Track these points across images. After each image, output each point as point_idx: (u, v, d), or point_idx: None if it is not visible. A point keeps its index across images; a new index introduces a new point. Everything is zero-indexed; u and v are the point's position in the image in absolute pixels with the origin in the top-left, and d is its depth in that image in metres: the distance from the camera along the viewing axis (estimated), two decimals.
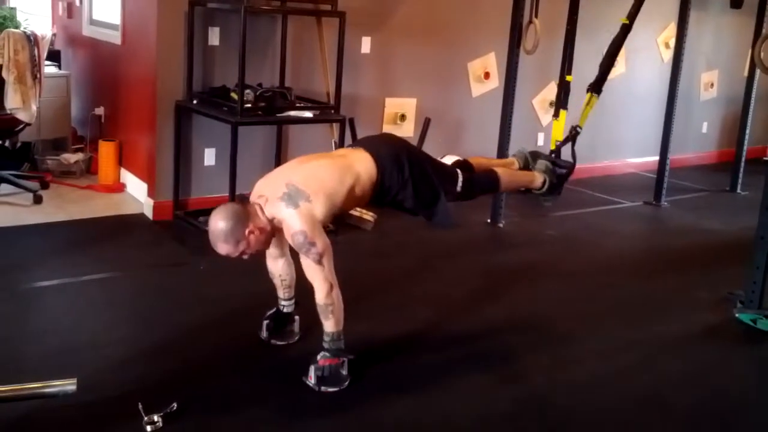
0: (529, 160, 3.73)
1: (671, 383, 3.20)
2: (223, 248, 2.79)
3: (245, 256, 2.83)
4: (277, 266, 3.17)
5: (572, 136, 4.08)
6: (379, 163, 2.99)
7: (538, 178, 3.60)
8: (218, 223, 2.76)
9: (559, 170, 3.66)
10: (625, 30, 4.19)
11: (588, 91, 4.21)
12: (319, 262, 2.78)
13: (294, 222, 2.77)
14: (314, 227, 2.78)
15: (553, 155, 3.90)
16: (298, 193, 2.79)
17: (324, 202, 2.82)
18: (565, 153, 4.04)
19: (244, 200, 2.94)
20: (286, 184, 2.82)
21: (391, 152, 3.05)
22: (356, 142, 3.31)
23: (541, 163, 3.67)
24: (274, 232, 2.87)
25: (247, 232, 2.76)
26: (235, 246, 2.77)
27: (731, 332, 3.75)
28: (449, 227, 3.31)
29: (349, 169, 2.94)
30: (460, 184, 3.21)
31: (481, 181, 3.37)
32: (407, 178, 3.02)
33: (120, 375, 2.90)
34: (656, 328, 3.73)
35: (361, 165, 2.97)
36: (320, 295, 2.83)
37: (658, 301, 4.09)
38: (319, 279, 2.81)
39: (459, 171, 3.25)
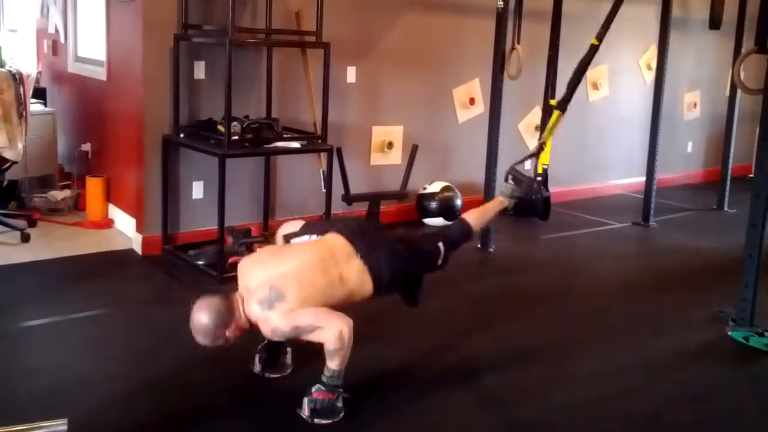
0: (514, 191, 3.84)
1: (668, 404, 3.19)
2: (200, 341, 2.82)
3: (223, 345, 2.85)
4: None
5: (537, 152, 4.13)
6: (377, 285, 3.02)
7: (503, 203, 3.73)
8: (201, 317, 2.78)
9: (520, 186, 3.78)
10: (593, 50, 4.25)
11: (555, 108, 4.27)
12: (315, 330, 2.77)
13: (270, 322, 2.78)
14: (292, 318, 2.76)
15: (515, 168, 3.99)
16: (277, 295, 2.77)
17: (303, 306, 2.80)
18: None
19: (228, 293, 2.88)
20: (270, 286, 2.79)
21: (392, 269, 3.05)
22: (355, 239, 3.06)
23: (507, 188, 3.79)
24: (253, 327, 2.88)
25: (227, 332, 2.80)
26: (212, 342, 2.81)
27: (724, 350, 3.76)
28: (418, 304, 3.36)
29: (344, 288, 2.93)
30: (441, 258, 3.31)
31: (456, 242, 3.44)
32: (400, 285, 3.14)
33: (112, 413, 2.87)
34: (650, 349, 3.73)
35: (358, 287, 2.98)
36: (330, 344, 2.78)
37: (650, 322, 4.09)
38: (322, 336, 2.77)
39: (441, 246, 3.31)
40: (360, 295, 3.01)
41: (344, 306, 2.94)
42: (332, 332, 2.76)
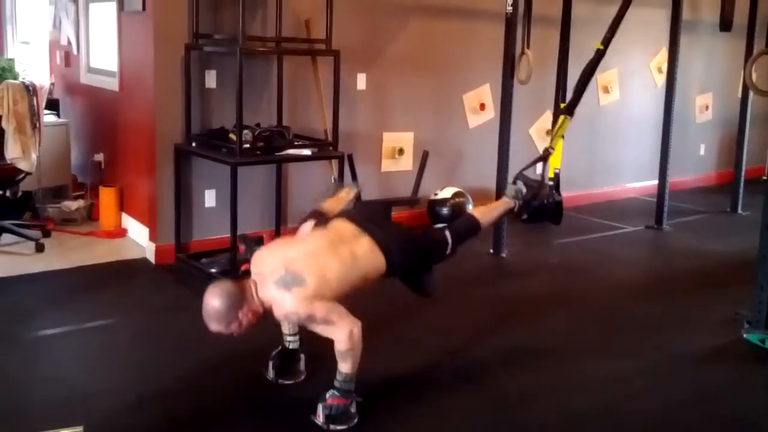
0: (519, 192, 3.87)
1: (682, 407, 3.17)
2: (214, 327, 2.78)
3: (235, 334, 2.81)
4: None
5: (544, 156, 4.12)
6: (389, 264, 3.01)
7: (510, 204, 3.75)
8: (213, 302, 2.74)
9: (528, 189, 3.81)
10: (600, 55, 4.25)
11: (562, 113, 4.26)
12: (327, 323, 2.77)
13: (285, 304, 2.76)
14: (308, 305, 2.74)
15: (523, 174, 3.99)
16: (295, 278, 2.75)
17: (322, 291, 2.78)
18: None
19: (242, 277, 2.89)
20: (285, 267, 2.78)
21: (401, 250, 3.07)
22: (365, 223, 3.09)
23: (511, 188, 3.83)
24: (267, 312, 2.86)
25: (240, 315, 2.75)
26: (226, 327, 2.76)
27: (740, 353, 3.73)
28: (434, 296, 3.36)
29: (357, 267, 2.92)
30: (449, 249, 3.31)
31: (463, 234, 3.46)
32: (413, 267, 3.13)
33: (127, 421, 2.89)
34: (665, 352, 3.71)
35: (370, 264, 2.97)
36: (341, 344, 2.79)
37: (665, 325, 4.07)
38: (334, 332, 2.78)
39: (448, 235, 3.33)
40: (375, 271, 2.98)
41: (362, 286, 2.94)
42: (344, 332, 2.77)
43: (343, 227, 3.05)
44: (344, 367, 2.84)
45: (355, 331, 2.79)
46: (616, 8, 4.29)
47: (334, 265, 2.85)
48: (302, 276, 2.76)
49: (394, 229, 3.20)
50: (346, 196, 3.57)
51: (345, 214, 3.15)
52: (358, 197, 3.92)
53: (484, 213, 3.62)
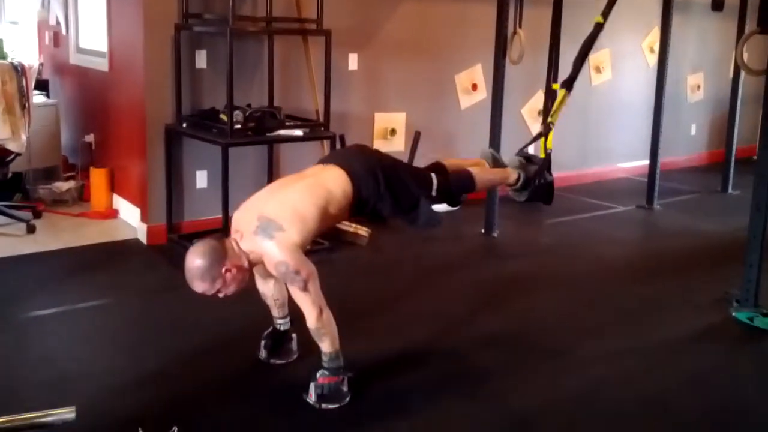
0: (497, 159, 3.76)
1: (673, 386, 3.19)
2: (199, 286, 2.74)
3: (221, 295, 2.79)
4: (268, 287, 3.16)
5: (545, 132, 4.10)
6: (353, 178, 2.98)
7: (512, 174, 3.62)
8: (194, 260, 2.72)
9: (531, 165, 3.70)
10: (598, 28, 4.22)
11: (561, 87, 4.24)
12: (305, 288, 2.76)
13: (274, 253, 2.75)
14: (295, 255, 2.75)
15: (524, 150, 3.94)
16: (271, 224, 2.75)
17: (299, 228, 2.79)
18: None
19: (221, 236, 2.89)
20: (257, 217, 2.79)
21: (364, 165, 3.05)
22: (328, 158, 3.23)
23: (514, 159, 3.72)
24: (251, 268, 2.86)
25: (223, 270, 2.72)
26: (211, 284, 2.73)
27: (729, 331, 3.76)
28: (435, 225, 3.27)
29: (322, 189, 2.92)
30: (435, 188, 3.22)
31: (456, 183, 3.35)
32: (384, 188, 3.03)
33: (119, 401, 2.89)
34: (656, 332, 3.73)
35: (335, 183, 2.96)
36: (310, 321, 2.82)
37: (655, 305, 4.09)
38: (307, 304, 2.80)
39: (433, 175, 3.25)
40: (342, 190, 2.94)
41: (336, 214, 2.95)
42: (315, 308, 2.79)
43: (311, 168, 3.11)
44: (324, 346, 2.86)
45: (324, 311, 2.81)
46: None
47: (301, 197, 2.86)
48: (277, 222, 2.76)
49: (360, 153, 3.18)
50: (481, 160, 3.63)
51: (320, 160, 3.22)
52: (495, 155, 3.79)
53: (482, 172, 3.51)
